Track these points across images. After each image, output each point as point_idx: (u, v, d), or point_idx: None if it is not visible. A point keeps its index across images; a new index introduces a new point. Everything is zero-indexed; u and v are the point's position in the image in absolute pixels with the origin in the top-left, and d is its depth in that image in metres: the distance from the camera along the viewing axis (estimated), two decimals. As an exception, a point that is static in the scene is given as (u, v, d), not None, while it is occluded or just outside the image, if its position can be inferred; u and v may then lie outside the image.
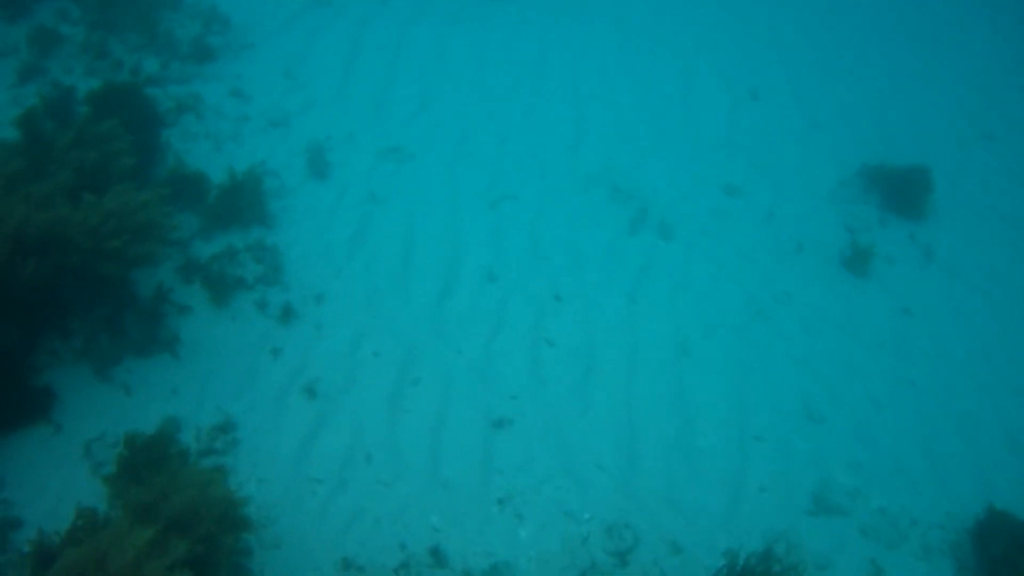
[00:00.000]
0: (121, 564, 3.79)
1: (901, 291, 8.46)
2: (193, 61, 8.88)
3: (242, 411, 5.99)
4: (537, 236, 8.08)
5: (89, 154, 6.33)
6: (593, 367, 7.01)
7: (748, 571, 5.42)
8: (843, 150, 10.10)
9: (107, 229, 5.52)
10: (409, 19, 10.36)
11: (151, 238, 5.75)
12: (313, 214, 7.71)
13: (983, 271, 8.94)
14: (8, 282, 5.24)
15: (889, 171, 9.44)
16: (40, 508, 5.14)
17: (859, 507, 6.47)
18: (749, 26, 11.86)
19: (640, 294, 7.78)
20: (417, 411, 6.26)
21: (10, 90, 8.05)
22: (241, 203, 7.29)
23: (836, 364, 7.62)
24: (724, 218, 8.87)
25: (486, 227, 8.03)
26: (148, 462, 5.06)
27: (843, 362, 7.65)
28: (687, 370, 7.24)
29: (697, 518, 6.13)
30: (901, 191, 9.33)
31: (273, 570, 5.18)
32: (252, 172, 7.48)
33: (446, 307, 7.20)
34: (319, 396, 6.24)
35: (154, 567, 3.81)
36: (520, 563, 5.55)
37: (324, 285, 7.08)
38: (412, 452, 6.02)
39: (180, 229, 6.87)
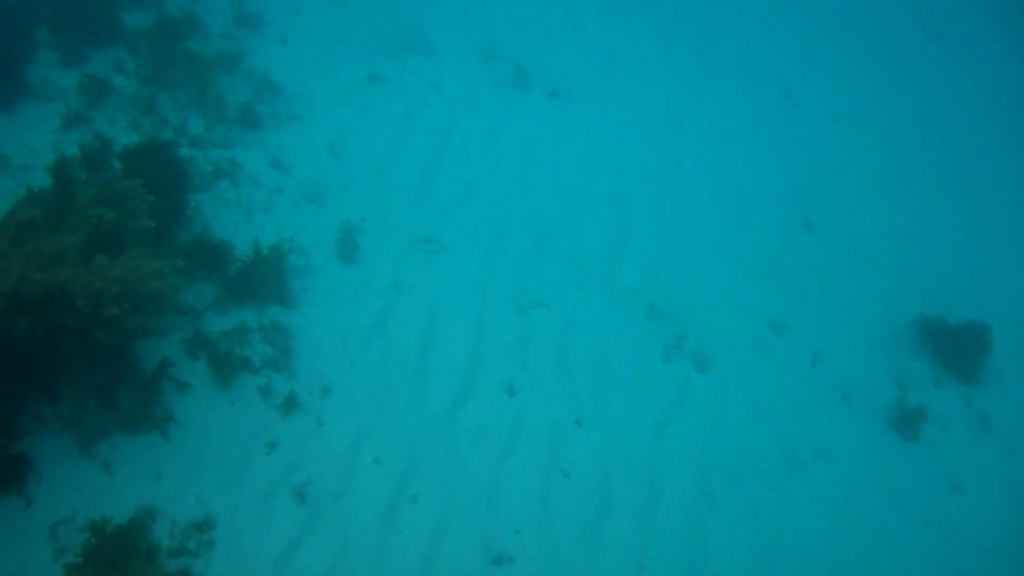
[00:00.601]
0: None
1: (952, 462, 8.09)
2: (238, 126, 9.04)
3: (224, 507, 5.76)
4: (564, 350, 7.90)
5: (108, 213, 6.36)
6: (608, 505, 6.70)
7: None
8: (898, 295, 9.91)
9: (109, 295, 5.44)
10: (462, 106, 10.54)
11: (154, 310, 5.66)
12: (334, 298, 7.63)
13: (1045, 449, 8.56)
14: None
15: (947, 327, 9.20)
16: (-11, 590, 4.91)
17: None
18: (806, 151, 11.90)
19: (668, 428, 7.52)
20: (411, 533, 5.98)
21: (52, 135, 8.21)
22: (261, 279, 7.24)
23: (874, 535, 7.21)
24: (766, 355, 8.64)
25: (512, 334, 7.89)
26: (113, 556, 4.82)
27: (882, 534, 7.23)
28: (710, 520, 6.89)
29: None
30: (958, 349, 9.06)
31: None
32: (278, 248, 7.46)
33: (458, 417, 6.99)
34: (309, 501, 6.00)
35: None
36: None
37: (333, 376, 6.93)
38: (399, 580, 5.72)
39: (194, 299, 6.83)
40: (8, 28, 8.96)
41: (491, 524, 6.22)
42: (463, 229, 8.80)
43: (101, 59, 9.35)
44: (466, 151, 9.87)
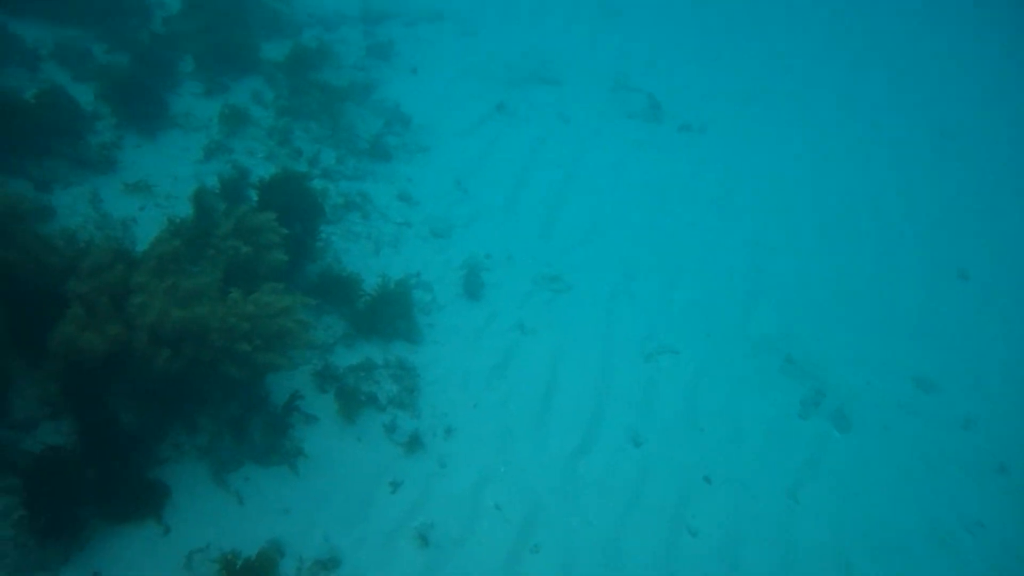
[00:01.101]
0: None
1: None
2: (368, 158, 9.42)
3: (350, 546, 5.95)
4: (694, 401, 7.78)
5: (243, 247, 6.72)
6: (736, 570, 6.52)
7: None
8: (1067, 357, 9.26)
9: (241, 331, 5.73)
10: (590, 139, 10.63)
11: (283, 347, 5.92)
12: (458, 336, 7.79)
13: None
14: (143, 370, 5.53)
15: None
16: (129, 614, 5.23)
17: None
18: (964, 192, 11.32)
19: (803, 490, 7.26)
20: (533, 586, 6.00)
21: (195, 165, 8.78)
22: (388, 315, 7.48)
23: (1036, 627, 6.72)
24: (913, 416, 8.24)
25: (638, 381, 7.83)
26: (245, 590, 5.06)
27: (1046, 627, 6.74)
28: (848, 596, 6.60)
29: None
30: None
31: None
32: (404, 283, 7.70)
33: (581, 466, 6.98)
34: (431, 544, 6.11)
35: None
36: None
37: (456, 417, 7.06)
38: (519, 634, 5.74)
39: (324, 333, 7.13)
40: (154, 61, 9.69)
41: (613, 582, 6.17)
42: (589, 268, 8.84)
43: (241, 89, 9.96)
44: (594, 186, 9.93)
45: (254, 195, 7.79)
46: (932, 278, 9.82)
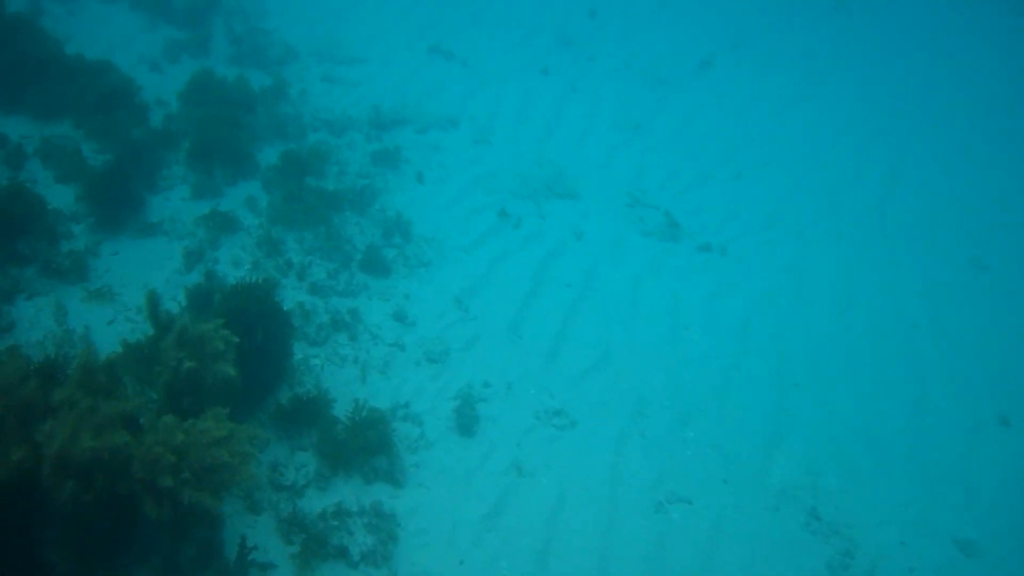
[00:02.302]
0: None
1: None
2: (364, 272, 8.90)
3: None
4: (710, 562, 6.92)
5: (186, 361, 6.09)
6: None
7: None
8: None
9: (165, 463, 4.99)
10: (603, 257, 10.10)
11: (217, 484, 5.15)
12: (447, 477, 7.05)
13: None
14: (53, 504, 4.81)
15: None
16: None
17: None
18: (1001, 329, 10.58)
19: None
20: None
21: (174, 275, 8.27)
22: (369, 450, 6.79)
23: None
24: (957, 587, 7.31)
25: (647, 535, 7.01)
26: None
27: None
28: None
29: None
30: None
31: None
32: (390, 415, 7.02)
33: (578, 643, 6.10)
34: None
35: None
36: None
37: (438, 576, 6.25)
38: None
39: (295, 473, 6.43)
40: (144, 162, 9.33)
41: None
42: (596, 402, 8.14)
43: (235, 194, 9.58)
44: (605, 309, 9.32)
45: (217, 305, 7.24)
46: (972, 424, 9.00)
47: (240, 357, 6.05)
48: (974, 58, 19.28)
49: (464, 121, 12.01)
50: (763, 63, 16.57)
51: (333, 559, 6.11)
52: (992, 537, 7.96)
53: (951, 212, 12.91)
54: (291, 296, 8.25)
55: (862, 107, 15.65)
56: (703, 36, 16.89)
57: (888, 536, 7.64)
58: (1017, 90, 18.56)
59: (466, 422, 7.49)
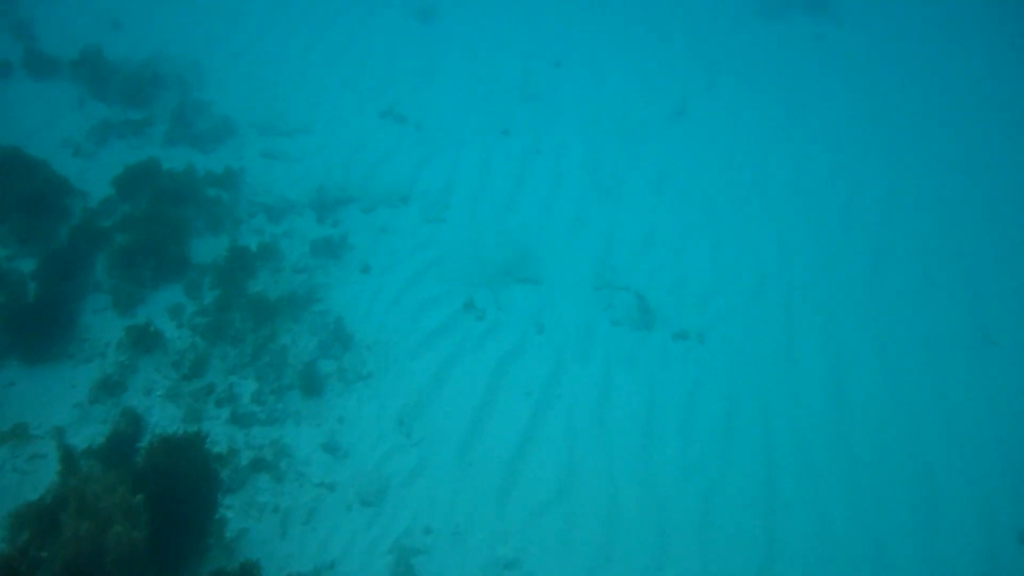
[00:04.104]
0: None
1: None
2: (295, 391, 8.02)
3: None
4: None
5: (83, 525, 5.37)
6: None
7: None
8: None
9: None
10: (569, 354, 9.21)
11: None
12: (378, 657, 6.09)
13: None
14: None
15: None
16: None
17: None
18: (1018, 422, 9.63)
19: None
20: None
21: (77, 409, 7.39)
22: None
23: None
24: None
25: None
26: None
27: None
28: None
29: None
30: None
31: None
32: (312, 586, 6.08)
33: None
34: None
35: None
36: None
37: None
38: None
39: None
40: (59, 270, 8.44)
41: None
42: (556, 546, 7.22)
43: (157, 301, 8.70)
44: (569, 422, 8.40)
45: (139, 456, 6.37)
46: (989, 550, 8.03)
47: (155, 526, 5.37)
48: (970, 77, 18.47)
49: (416, 196, 11.10)
50: (739, 104, 15.72)
51: None
52: None
53: (952, 272, 12.00)
54: (207, 428, 7.31)
55: (848, 144, 14.79)
56: (675, 80, 16.05)
57: None
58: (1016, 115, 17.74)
59: (402, 585, 6.54)
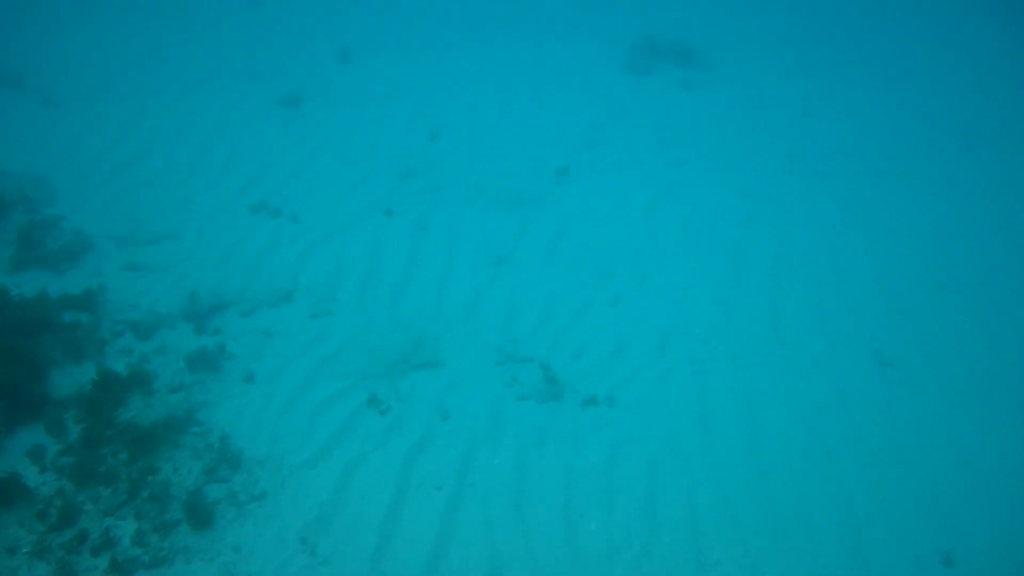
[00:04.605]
0: None
1: None
2: (183, 525, 7.35)
3: None
4: None
5: None
6: None
7: None
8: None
9: None
10: (478, 439, 8.85)
11: None
12: None
13: None
14: None
15: None
16: None
17: None
18: (923, 444, 9.76)
19: None
20: None
21: (-77, 587, 6.50)
22: None
23: None
24: None
25: None
26: None
27: None
28: None
29: None
30: None
31: None
32: None
33: None
34: None
35: None
36: None
37: None
38: None
39: None
40: None
41: None
42: (486, 653, 6.70)
43: (15, 447, 7.93)
44: (485, 511, 8.01)
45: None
46: (919, 571, 7.98)
47: None
48: (850, 113, 19.44)
49: (300, 291, 10.66)
50: (621, 157, 16.01)
51: None
52: None
53: (846, 298, 12.31)
54: (84, 584, 6.59)
55: (729, 187, 15.20)
56: (555, 139, 16.26)
57: None
58: (916, 143, 18.70)
59: None
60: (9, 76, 15.55)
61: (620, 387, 9.86)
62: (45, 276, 10.13)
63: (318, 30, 20.86)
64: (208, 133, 14.34)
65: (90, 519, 7.24)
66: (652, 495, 8.45)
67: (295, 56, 18.87)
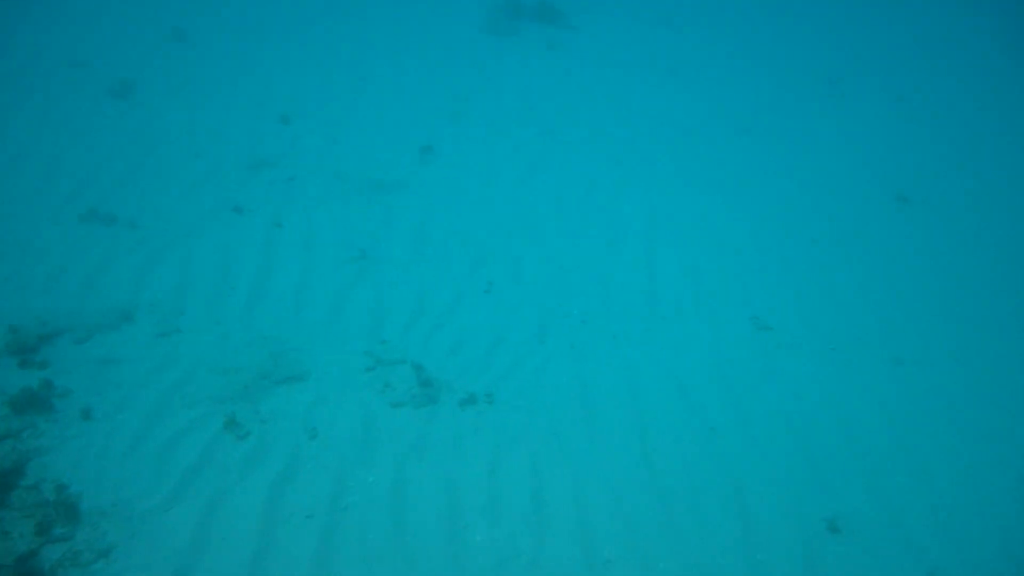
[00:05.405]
0: None
1: None
2: (15, 598, 6.62)
3: None
4: None
5: None
6: None
7: None
8: None
9: None
10: (348, 458, 8.41)
11: None
12: None
13: None
14: None
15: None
16: None
17: None
18: (800, 405, 9.97)
19: None
20: None
21: None
22: None
23: None
24: None
25: None
26: None
27: None
28: None
29: None
30: None
31: None
32: None
33: None
34: None
35: None
36: None
37: None
38: None
39: None
40: None
41: None
42: None
43: None
44: (363, 536, 7.61)
45: None
46: (805, 537, 8.14)
47: None
48: (716, 65, 19.69)
49: (142, 309, 9.87)
50: (488, 129, 15.69)
51: None
52: None
53: (721, 262, 12.45)
54: None
55: (600, 153, 15.17)
56: (417, 114, 15.75)
57: None
58: (782, 91, 19.09)
59: None
60: None
61: (499, 381, 9.60)
62: None
63: (147, 5, 19.44)
64: (27, 135, 13.10)
65: (-97, 606, 6.48)
66: (538, 497, 8.26)
67: (124, 38, 17.49)
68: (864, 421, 9.91)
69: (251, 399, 8.87)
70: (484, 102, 16.98)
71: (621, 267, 12.05)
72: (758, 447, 9.25)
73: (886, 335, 11.53)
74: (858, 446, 9.51)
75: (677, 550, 7.92)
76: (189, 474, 7.96)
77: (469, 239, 12.13)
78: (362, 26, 20.04)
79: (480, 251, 11.91)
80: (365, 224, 12.11)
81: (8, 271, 10.16)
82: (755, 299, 11.78)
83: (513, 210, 13.08)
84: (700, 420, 9.48)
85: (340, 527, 7.70)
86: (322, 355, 9.60)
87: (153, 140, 13.50)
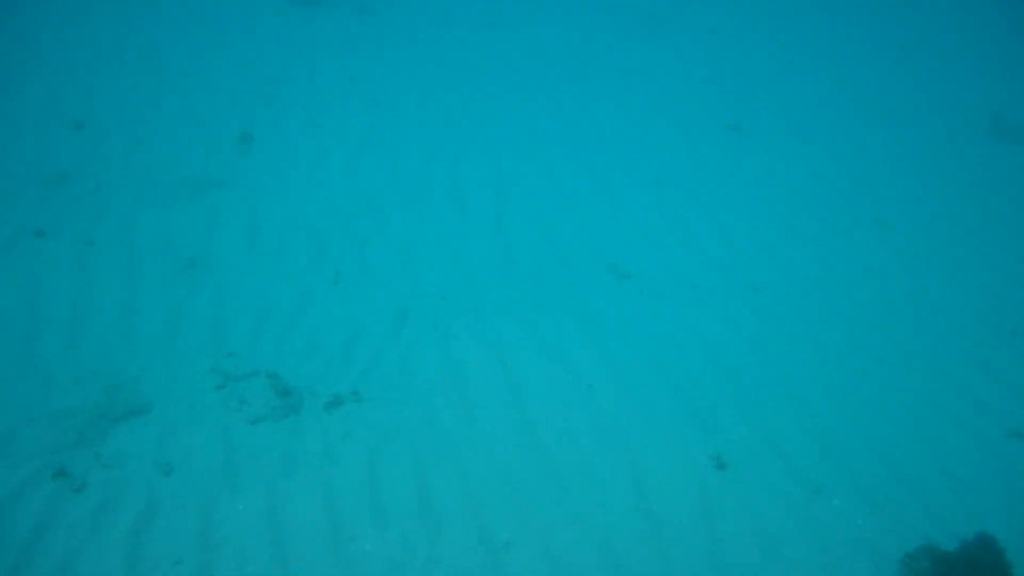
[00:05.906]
0: None
1: None
2: None
3: None
4: None
5: None
6: None
7: None
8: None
9: None
10: (211, 491, 7.78)
11: None
12: None
13: None
14: None
15: None
16: None
17: None
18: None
19: None
20: None
21: None
22: None
23: None
24: None
25: None
26: None
27: None
28: None
29: None
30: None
31: None
32: None
33: None
34: None
35: None
36: None
37: None
38: None
39: None
40: None
41: None
42: None
43: None
44: (241, 572, 7.05)
45: None
46: (700, 479, 8.25)
47: None
48: (537, 8, 19.53)
49: (-56, 361, 8.76)
50: (310, 109, 14.95)
51: None
52: None
53: (571, 211, 12.41)
54: None
55: (432, 117, 14.78)
56: (229, 101, 14.77)
57: None
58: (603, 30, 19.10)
59: None
60: None
61: (364, 376, 9.16)
62: None
63: None
64: None
65: None
66: (424, 491, 7.94)
67: None
68: (731, 353, 10.16)
69: (89, 444, 8.03)
70: (300, 79, 16.14)
71: (474, 234, 11.78)
72: (635, 397, 9.29)
73: (741, 266, 11.86)
74: (730, 379, 9.74)
75: (574, 518, 7.83)
76: (30, 542, 7.12)
77: (306, 229, 11.49)
78: (154, 12, 18.58)
79: (320, 239, 11.31)
80: (189, 229, 11.22)
81: None
82: (612, 250, 11.82)
83: (350, 190, 12.51)
84: (577, 380, 9.42)
85: (214, 567, 7.10)
86: (164, 381, 8.83)
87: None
